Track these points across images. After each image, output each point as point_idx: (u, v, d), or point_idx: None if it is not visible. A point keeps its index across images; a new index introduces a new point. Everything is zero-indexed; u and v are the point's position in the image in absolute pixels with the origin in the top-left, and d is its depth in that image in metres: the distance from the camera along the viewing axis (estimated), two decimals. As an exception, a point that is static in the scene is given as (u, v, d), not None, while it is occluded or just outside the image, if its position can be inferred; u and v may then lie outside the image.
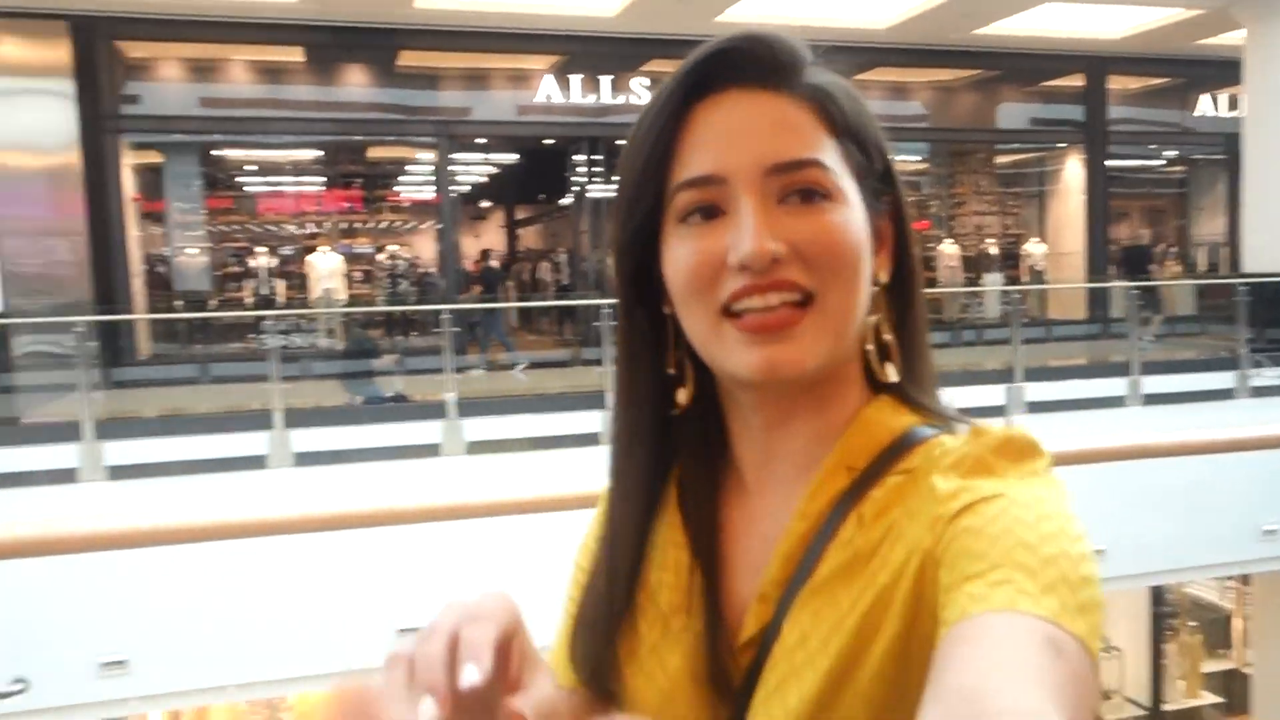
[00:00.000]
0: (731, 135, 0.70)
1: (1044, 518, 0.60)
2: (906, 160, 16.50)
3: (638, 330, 0.78)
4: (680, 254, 0.71)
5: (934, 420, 0.74)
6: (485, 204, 20.43)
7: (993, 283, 14.87)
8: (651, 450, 0.79)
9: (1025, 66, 14.37)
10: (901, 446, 0.71)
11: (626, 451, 0.80)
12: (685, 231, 0.71)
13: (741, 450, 0.78)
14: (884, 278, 0.76)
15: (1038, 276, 15.02)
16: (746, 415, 0.76)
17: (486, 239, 17.81)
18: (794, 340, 0.69)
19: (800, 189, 0.69)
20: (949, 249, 15.16)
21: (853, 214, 0.71)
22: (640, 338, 0.78)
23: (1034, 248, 15.37)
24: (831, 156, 0.71)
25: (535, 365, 12.27)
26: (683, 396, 0.78)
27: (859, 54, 12.95)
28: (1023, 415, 8.57)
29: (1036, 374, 9.41)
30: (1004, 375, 9.14)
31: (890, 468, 0.70)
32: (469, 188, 18.11)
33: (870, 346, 0.75)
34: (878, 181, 0.75)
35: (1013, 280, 15.11)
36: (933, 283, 14.53)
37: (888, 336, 0.75)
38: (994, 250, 15.56)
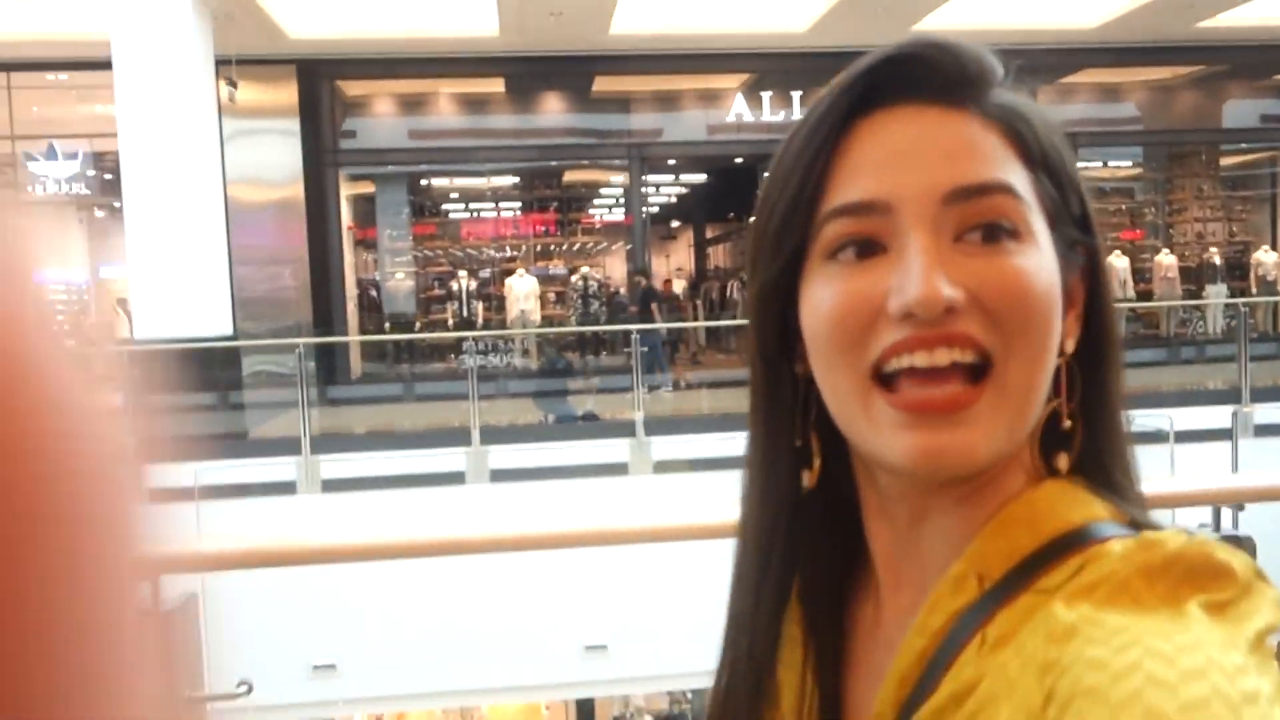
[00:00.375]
0: (901, 155, 0.58)
1: (1191, 675, 0.43)
2: (1118, 166, 15.53)
3: (781, 392, 0.65)
4: (824, 296, 0.59)
5: (1118, 517, 0.58)
6: (675, 224, 20.65)
7: (1216, 294, 13.77)
8: (786, 536, 0.67)
9: (1255, 59, 13.27)
10: (1054, 553, 0.56)
11: (756, 536, 0.69)
12: (834, 271, 0.59)
13: (876, 540, 0.65)
14: (1070, 347, 0.61)
15: (1269, 287, 13.76)
16: (888, 503, 0.63)
17: (676, 258, 18.00)
18: (965, 425, 0.56)
19: (983, 224, 0.56)
20: (1166, 259, 14.14)
21: (1045, 260, 0.57)
22: (781, 402, 0.65)
23: (1264, 256, 14.11)
24: (1024, 187, 0.58)
25: (722, 385, 12.25)
26: (808, 478, 0.65)
27: (1065, 55, 12.32)
28: (1250, 440, 7.87)
29: (1266, 394, 8.63)
30: (1229, 396, 8.43)
31: (1031, 581, 0.55)
32: (659, 208, 18.36)
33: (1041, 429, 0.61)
34: (1073, 228, 0.61)
35: (1239, 292, 13.92)
36: (1148, 295, 13.62)
37: (1068, 422, 0.61)
38: (1217, 260, 14.41)
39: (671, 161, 15.98)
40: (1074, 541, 0.56)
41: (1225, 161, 15.56)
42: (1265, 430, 8.05)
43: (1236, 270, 14.63)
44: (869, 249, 0.58)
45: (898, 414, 0.56)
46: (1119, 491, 0.61)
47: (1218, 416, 8.09)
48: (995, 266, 0.56)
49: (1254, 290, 13.85)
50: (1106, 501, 0.59)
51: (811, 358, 0.61)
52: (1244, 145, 15.24)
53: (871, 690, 0.62)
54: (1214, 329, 13.34)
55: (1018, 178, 0.58)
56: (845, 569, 0.69)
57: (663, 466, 7.96)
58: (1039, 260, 0.57)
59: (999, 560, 0.57)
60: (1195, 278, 14.46)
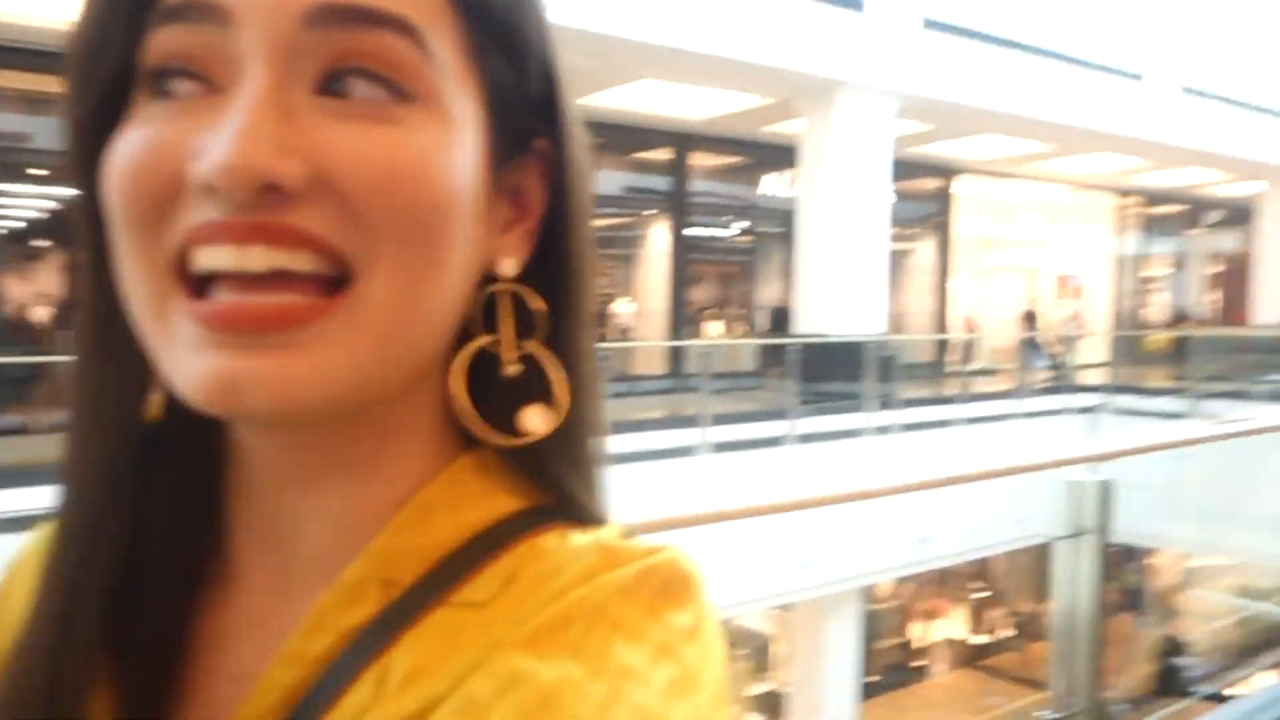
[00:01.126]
0: None
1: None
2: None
3: (108, 287, 0.43)
4: (121, 148, 0.40)
5: (550, 500, 0.45)
6: (43, 243, 18.20)
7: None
8: (122, 493, 0.45)
9: (623, 138, 15.33)
10: (477, 552, 0.42)
11: (78, 493, 0.45)
12: (150, 113, 0.40)
13: (235, 517, 0.46)
14: (509, 269, 0.45)
15: (625, 334, 16.01)
16: (250, 462, 0.45)
17: (44, 282, 15.86)
18: (292, 349, 0.38)
19: (360, 72, 0.39)
20: (538, 309, 15.75)
21: (454, 142, 0.41)
22: (112, 300, 0.43)
23: (622, 307, 16.38)
24: (439, 42, 0.40)
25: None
26: (154, 404, 0.45)
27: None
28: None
29: (618, 427, 9.87)
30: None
31: (452, 588, 0.41)
32: (24, 224, 16.11)
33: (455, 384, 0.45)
34: (527, 113, 0.45)
35: (601, 338, 15.94)
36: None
37: (512, 368, 0.45)
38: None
39: (40, 172, 14.04)
40: (502, 535, 0.43)
41: (598, 224, 17.80)
42: (615, 459, 9.18)
43: (602, 319, 16.74)
44: (203, 88, 0.39)
45: (198, 329, 0.38)
46: (574, 463, 0.47)
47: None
48: (365, 138, 0.38)
49: (614, 336, 15.98)
50: (542, 479, 0.46)
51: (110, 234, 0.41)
52: (612, 211, 17.57)
53: None
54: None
55: (434, 30, 0.40)
56: (196, 546, 0.48)
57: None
58: (441, 140, 0.40)
59: (411, 560, 0.42)
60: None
